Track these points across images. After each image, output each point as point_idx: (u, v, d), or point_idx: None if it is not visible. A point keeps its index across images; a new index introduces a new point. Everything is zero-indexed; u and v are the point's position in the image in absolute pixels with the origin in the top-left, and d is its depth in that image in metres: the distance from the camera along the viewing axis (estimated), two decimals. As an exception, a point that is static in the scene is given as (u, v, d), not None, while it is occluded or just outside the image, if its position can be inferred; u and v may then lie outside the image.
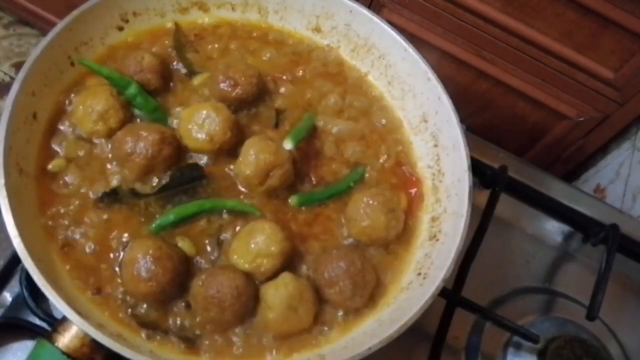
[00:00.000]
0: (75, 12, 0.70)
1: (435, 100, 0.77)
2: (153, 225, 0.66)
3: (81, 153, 0.69)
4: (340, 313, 0.66)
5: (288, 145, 0.71)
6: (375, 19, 0.80)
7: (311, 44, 0.85)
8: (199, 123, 0.69)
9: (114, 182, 0.67)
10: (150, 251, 0.60)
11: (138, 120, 0.72)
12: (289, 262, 0.66)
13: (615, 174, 1.20)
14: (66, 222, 0.65)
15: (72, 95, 0.71)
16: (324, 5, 0.82)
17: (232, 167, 0.71)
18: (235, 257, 0.64)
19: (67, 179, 0.67)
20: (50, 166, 0.66)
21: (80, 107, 0.69)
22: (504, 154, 0.96)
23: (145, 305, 0.62)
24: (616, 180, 1.19)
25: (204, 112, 0.69)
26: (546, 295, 0.85)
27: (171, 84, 0.76)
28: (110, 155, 0.69)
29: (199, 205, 0.67)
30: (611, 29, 1.05)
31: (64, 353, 0.59)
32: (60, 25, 0.69)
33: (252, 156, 0.67)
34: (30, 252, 0.57)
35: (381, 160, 0.77)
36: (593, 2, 1.01)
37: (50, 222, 0.64)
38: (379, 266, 0.70)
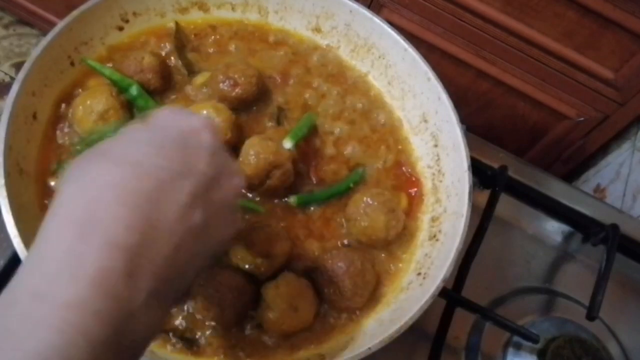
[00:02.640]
0: (75, 12, 0.70)
1: (435, 100, 0.77)
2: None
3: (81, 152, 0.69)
4: (340, 313, 0.66)
5: (288, 144, 0.71)
6: (375, 19, 0.80)
7: (311, 44, 0.85)
8: (199, 123, 0.69)
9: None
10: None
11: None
12: (289, 262, 0.66)
13: (615, 174, 1.20)
14: (66, 222, 0.65)
15: (73, 95, 0.71)
16: (324, 5, 0.82)
17: (232, 167, 0.71)
18: (235, 257, 0.64)
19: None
20: (53, 183, 0.66)
21: (80, 107, 0.69)
22: (504, 153, 0.96)
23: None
24: (616, 180, 1.18)
25: (204, 112, 0.69)
26: (546, 295, 0.85)
27: (171, 84, 0.76)
28: (110, 155, 0.69)
29: None
30: (611, 29, 1.05)
31: (64, 353, 0.59)
32: (60, 25, 0.69)
33: (252, 156, 0.67)
34: (31, 252, 0.56)
35: (381, 161, 0.77)
36: (593, 2, 1.01)
37: (50, 222, 0.64)
38: (379, 266, 0.70)
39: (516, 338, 0.77)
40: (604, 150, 1.27)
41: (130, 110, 0.71)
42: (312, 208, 0.72)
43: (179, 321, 0.62)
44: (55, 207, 0.36)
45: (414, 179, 0.77)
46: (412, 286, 0.68)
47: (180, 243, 0.36)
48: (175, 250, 0.36)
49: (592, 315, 0.76)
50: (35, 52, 0.66)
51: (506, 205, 0.88)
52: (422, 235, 0.73)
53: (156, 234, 0.35)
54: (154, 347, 0.60)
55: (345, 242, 0.71)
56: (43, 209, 0.65)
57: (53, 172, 0.66)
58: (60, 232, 0.34)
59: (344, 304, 0.65)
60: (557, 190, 0.93)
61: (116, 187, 0.35)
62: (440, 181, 0.75)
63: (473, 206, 0.68)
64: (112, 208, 0.34)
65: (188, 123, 0.43)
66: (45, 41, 0.67)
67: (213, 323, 0.62)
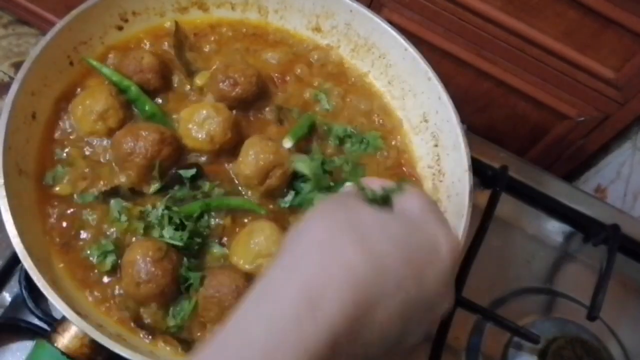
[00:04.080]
0: (74, 12, 0.70)
1: (435, 100, 0.76)
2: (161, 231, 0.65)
3: (81, 153, 0.69)
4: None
5: (287, 143, 0.71)
6: (376, 18, 0.80)
7: (311, 43, 0.85)
8: (199, 123, 0.69)
9: (114, 182, 0.67)
10: (150, 252, 0.60)
11: (138, 119, 0.72)
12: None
13: (616, 174, 1.20)
14: (66, 222, 0.65)
15: (72, 95, 0.71)
16: (324, 5, 0.82)
17: (232, 167, 0.71)
18: (235, 257, 0.64)
19: (66, 178, 0.67)
20: (57, 188, 0.66)
21: (80, 106, 0.69)
22: (504, 153, 0.96)
23: (144, 307, 0.62)
24: (617, 180, 1.18)
25: (204, 112, 0.69)
26: (547, 296, 0.85)
27: (171, 83, 0.76)
28: (109, 155, 0.69)
29: (205, 204, 0.67)
30: (612, 28, 1.04)
31: (63, 353, 0.59)
32: (60, 24, 0.69)
33: (252, 156, 0.67)
34: (30, 252, 0.56)
35: (381, 160, 0.77)
36: (594, 1, 1.01)
37: (49, 222, 0.64)
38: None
39: (517, 338, 0.77)
40: (604, 150, 1.27)
41: (130, 109, 0.71)
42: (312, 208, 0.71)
43: (178, 322, 0.62)
44: (289, 257, 0.38)
45: (414, 179, 0.77)
46: (413, 286, 0.67)
47: (370, 346, 0.37)
48: (365, 350, 0.36)
49: (593, 315, 0.76)
50: (34, 51, 0.66)
51: (507, 205, 0.87)
52: (423, 235, 0.72)
53: (360, 330, 0.36)
54: (153, 347, 0.60)
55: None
56: (42, 208, 0.65)
57: (50, 184, 0.66)
58: (288, 289, 0.36)
59: (344, 305, 0.65)
60: (558, 190, 0.93)
61: (351, 272, 0.36)
62: (441, 181, 0.75)
63: (474, 206, 0.68)
64: (339, 292, 0.35)
65: (436, 231, 0.41)
66: (44, 41, 0.67)
67: (213, 323, 0.62)
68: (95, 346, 0.58)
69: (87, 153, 0.69)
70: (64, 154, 0.68)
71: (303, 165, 0.66)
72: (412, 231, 0.40)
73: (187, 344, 0.61)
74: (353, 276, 0.35)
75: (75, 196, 0.66)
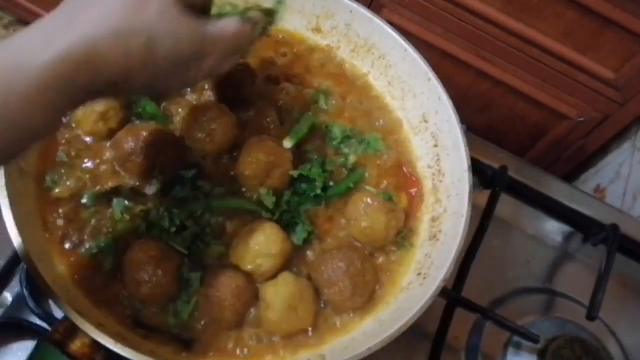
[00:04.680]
0: (75, 12, 0.70)
1: (435, 100, 0.76)
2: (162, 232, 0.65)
3: (81, 153, 0.69)
4: (340, 313, 0.66)
5: (288, 144, 0.71)
6: (375, 19, 0.80)
7: (311, 43, 0.85)
8: (200, 123, 0.69)
9: (115, 182, 0.67)
10: (151, 252, 0.60)
11: (139, 120, 0.72)
12: (289, 262, 0.66)
13: (615, 174, 1.20)
14: (66, 222, 0.65)
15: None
16: (324, 5, 0.82)
17: (232, 167, 0.71)
18: (235, 257, 0.64)
19: (67, 179, 0.67)
20: (58, 189, 0.66)
21: (80, 107, 0.69)
22: (504, 154, 0.96)
23: (144, 306, 0.62)
24: (616, 180, 1.19)
25: (205, 112, 0.69)
26: (546, 295, 0.85)
27: (171, 84, 0.76)
28: (110, 155, 0.69)
29: (206, 204, 0.67)
30: (611, 29, 1.05)
31: (64, 353, 0.59)
32: (61, 25, 0.69)
33: (252, 156, 0.67)
34: (31, 251, 0.57)
35: (381, 161, 0.77)
36: (593, 2, 1.01)
37: (50, 222, 0.64)
38: (379, 266, 0.70)
39: (516, 338, 0.78)
40: (604, 150, 1.27)
41: (131, 109, 0.71)
42: (312, 208, 0.71)
43: (175, 321, 0.62)
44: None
45: (414, 179, 0.77)
46: (412, 286, 0.68)
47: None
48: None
49: (592, 315, 0.76)
50: (35, 52, 0.66)
51: (506, 205, 0.88)
52: (422, 235, 0.73)
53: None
54: (154, 347, 0.60)
55: (345, 242, 0.71)
56: (43, 208, 0.65)
57: (51, 185, 0.66)
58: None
59: (344, 304, 0.65)
60: (557, 190, 0.93)
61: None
62: (440, 181, 0.75)
63: (473, 206, 0.68)
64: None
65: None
66: (45, 41, 0.67)
67: (213, 323, 0.62)
68: (96, 346, 0.58)
69: (87, 153, 0.69)
70: (65, 155, 0.68)
71: None
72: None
73: (187, 344, 0.61)
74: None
75: (76, 196, 0.66)
